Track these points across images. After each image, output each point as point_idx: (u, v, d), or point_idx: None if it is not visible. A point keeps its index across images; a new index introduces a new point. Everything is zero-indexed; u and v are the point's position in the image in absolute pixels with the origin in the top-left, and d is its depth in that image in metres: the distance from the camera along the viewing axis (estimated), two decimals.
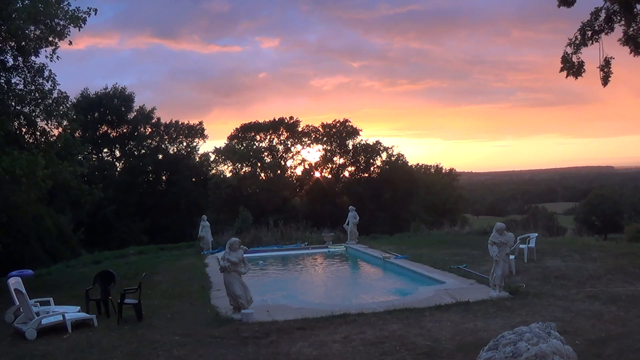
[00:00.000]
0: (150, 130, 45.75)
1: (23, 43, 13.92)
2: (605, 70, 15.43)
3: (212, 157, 46.28)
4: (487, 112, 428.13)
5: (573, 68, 15.63)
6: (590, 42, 15.42)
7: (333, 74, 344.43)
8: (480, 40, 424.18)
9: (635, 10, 14.87)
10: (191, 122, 47.49)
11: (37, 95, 14.32)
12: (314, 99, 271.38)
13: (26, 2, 13.55)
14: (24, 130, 14.97)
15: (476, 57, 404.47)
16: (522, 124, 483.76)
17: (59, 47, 14.31)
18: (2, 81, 14.28)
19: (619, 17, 15.18)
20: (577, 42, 15.42)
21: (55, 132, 15.13)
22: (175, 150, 46.97)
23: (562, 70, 15.87)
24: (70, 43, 14.37)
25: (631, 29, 15.15)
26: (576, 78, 15.76)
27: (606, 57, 15.44)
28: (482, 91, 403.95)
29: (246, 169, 44.24)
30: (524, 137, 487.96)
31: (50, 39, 14.04)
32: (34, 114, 14.56)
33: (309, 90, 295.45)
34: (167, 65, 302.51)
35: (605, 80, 15.55)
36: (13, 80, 14.45)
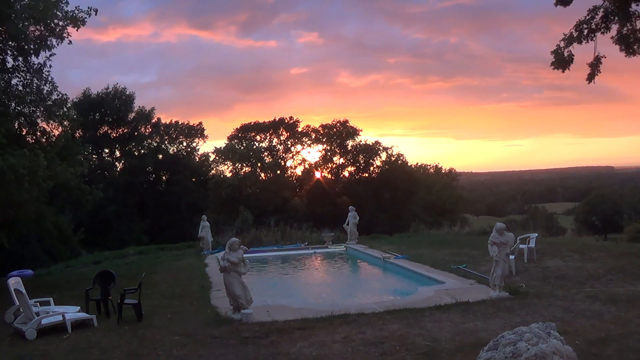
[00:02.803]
0: (150, 130, 45.80)
1: (23, 44, 13.91)
2: (594, 67, 15.48)
3: (212, 157, 46.41)
4: (508, 110, 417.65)
5: (562, 61, 15.63)
6: (586, 40, 15.41)
7: (367, 71, 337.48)
8: (519, 36, 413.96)
9: (631, 10, 14.84)
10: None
11: (36, 96, 14.30)
12: (339, 96, 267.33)
13: (26, 2, 13.54)
14: (24, 130, 14.97)
15: (511, 54, 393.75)
16: (534, 124, 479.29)
17: (62, 42, 14.31)
18: (2, 82, 14.28)
19: (615, 17, 15.17)
20: (572, 37, 15.41)
21: (56, 132, 15.14)
22: (175, 151, 47.00)
23: (552, 64, 15.84)
24: (70, 42, 14.38)
25: (625, 28, 15.15)
26: (563, 71, 15.74)
27: (597, 54, 15.49)
28: (510, 89, 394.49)
29: (246, 169, 44.23)
30: (533, 137, 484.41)
31: (50, 39, 14.03)
32: (34, 114, 14.56)
33: (336, 87, 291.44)
34: (194, 60, 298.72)
35: (590, 77, 15.63)
36: (13, 82, 14.45)
